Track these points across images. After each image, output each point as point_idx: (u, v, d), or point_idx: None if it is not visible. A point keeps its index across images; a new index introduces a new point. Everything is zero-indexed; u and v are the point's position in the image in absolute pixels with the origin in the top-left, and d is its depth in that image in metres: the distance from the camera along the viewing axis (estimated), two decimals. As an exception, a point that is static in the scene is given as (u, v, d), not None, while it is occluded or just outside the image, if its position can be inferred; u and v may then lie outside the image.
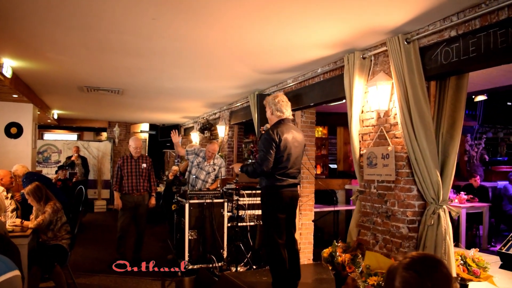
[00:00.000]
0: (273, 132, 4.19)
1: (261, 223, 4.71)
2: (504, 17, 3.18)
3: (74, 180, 10.37)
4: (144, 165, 6.87)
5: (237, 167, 4.65)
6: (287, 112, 4.41)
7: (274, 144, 4.15)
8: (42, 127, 15.08)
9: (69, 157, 11.86)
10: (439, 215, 3.86)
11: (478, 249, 4.13)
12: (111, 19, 4.02)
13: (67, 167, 10.56)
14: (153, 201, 7.05)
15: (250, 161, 10.35)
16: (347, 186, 8.37)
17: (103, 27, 4.26)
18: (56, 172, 10.14)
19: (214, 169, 7.11)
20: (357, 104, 4.68)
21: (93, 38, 4.63)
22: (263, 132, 4.47)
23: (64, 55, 5.45)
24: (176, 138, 6.95)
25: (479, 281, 3.87)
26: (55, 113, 11.93)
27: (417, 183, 4.00)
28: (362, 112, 4.73)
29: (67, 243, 5.22)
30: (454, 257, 3.88)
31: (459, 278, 3.87)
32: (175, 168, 11.04)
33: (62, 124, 14.43)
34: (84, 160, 11.83)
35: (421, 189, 3.97)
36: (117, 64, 5.85)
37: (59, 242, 5.15)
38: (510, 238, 5.11)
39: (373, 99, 4.40)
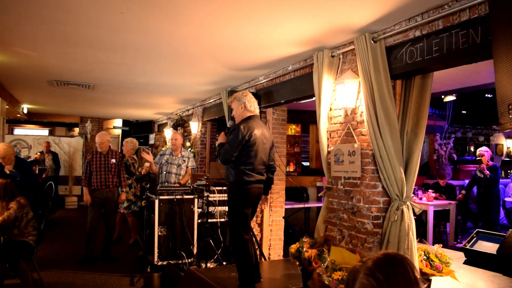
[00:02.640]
0: (244, 128, 4.24)
1: (227, 219, 4.67)
2: (465, 19, 3.26)
3: (44, 176, 10.17)
4: (113, 160, 6.76)
5: (222, 138, 4.49)
6: (256, 110, 4.51)
7: (242, 141, 4.21)
8: (12, 121, 14.76)
9: (40, 153, 11.62)
10: (402, 211, 3.93)
11: (441, 245, 4.23)
12: (78, 12, 3.95)
13: (35, 163, 10.35)
14: (123, 196, 6.97)
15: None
16: (318, 183, 8.46)
17: (71, 20, 4.19)
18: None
19: (184, 160, 7.10)
20: (325, 101, 4.74)
21: (61, 30, 4.56)
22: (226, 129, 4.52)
23: (32, 48, 5.35)
24: (149, 157, 6.78)
25: (441, 275, 3.96)
26: (25, 107, 11.69)
27: (382, 180, 4.06)
28: (331, 109, 4.78)
29: (33, 239, 5.14)
30: (417, 253, 3.96)
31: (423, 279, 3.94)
32: (147, 164, 10.95)
33: (32, 119, 14.15)
34: (55, 155, 11.61)
35: (385, 186, 4.04)
36: (86, 58, 5.76)
37: (25, 239, 5.07)
38: (474, 235, 5.24)
39: (340, 97, 4.45)
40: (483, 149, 7.78)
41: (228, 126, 4.64)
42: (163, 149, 7.68)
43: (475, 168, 10.28)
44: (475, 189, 8.71)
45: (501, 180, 8.67)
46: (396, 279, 1.34)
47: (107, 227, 6.83)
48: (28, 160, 11.13)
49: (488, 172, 7.56)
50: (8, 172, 5.78)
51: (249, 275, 4.30)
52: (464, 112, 12.83)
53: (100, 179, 6.65)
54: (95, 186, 6.66)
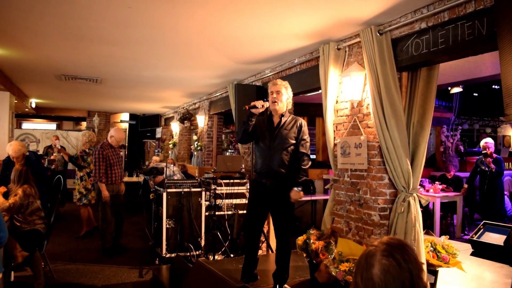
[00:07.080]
0: None
1: (281, 221, 4.21)
2: (471, 10, 3.26)
3: (53, 167, 10.22)
4: (122, 153, 6.86)
5: (297, 195, 4.02)
6: None
7: None
8: (20, 116, 14.87)
9: (48, 147, 11.68)
10: (409, 203, 3.95)
11: (448, 237, 4.25)
12: (87, 7, 3.99)
13: (45, 156, 10.44)
14: (123, 187, 6.97)
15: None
16: (325, 176, 8.46)
17: (79, 15, 4.23)
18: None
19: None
20: (331, 94, 4.75)
21: (69, 25, 4.60)
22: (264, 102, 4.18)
23: (40, 43, 5.40)
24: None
25: (448, 267, 3.98)
26: (33, 101, 11.78)
27: (388, 172, 4.09)
28: (337, 102, 4.80)
29: (42, 227, 5.13)
30: (423, 244, 3.98)
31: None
32: (155, 158, 11.02)
33: (40, 113, 14.24)
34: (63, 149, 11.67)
35: (392, 178, 4.06)
36: (94, 52, 5.81)
37: (34, 227, 5.06)
38: (481, 227, 5.25)
39: (347, 90, 4.47)
40: (488, 142, 7.71)
41: (264, 99, 4.20)
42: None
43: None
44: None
45: (506, 172, 8.59)
46: (410, 259, 1.41)
47: (119, 218, 6.85)
48: (41, 153, 11.24)
49: (493, 165, 7.51)
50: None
51: None
52: (473, 104, 12.71)
53: (116, 173, 6.63)
54: (112, 181, 6.57)
